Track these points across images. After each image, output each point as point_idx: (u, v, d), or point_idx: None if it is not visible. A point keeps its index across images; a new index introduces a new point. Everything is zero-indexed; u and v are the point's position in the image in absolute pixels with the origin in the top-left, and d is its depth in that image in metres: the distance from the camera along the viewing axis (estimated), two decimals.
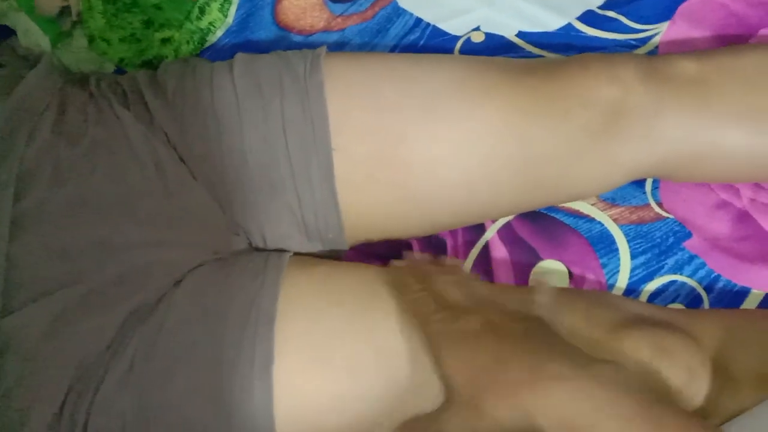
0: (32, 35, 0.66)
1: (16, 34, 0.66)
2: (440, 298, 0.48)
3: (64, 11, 0.66)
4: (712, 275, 0.61)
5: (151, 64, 0.66)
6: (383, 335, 0.50)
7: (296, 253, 0.56)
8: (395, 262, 0.54)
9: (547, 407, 0.39)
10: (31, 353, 0.47)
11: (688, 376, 0.51)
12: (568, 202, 0.62)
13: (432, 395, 0.47)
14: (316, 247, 0.57)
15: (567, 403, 0.39)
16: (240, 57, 0.57)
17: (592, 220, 0.63)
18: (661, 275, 0.62)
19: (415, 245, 0.63)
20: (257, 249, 0.57)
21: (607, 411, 0.38)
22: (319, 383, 0.49)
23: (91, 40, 0.66)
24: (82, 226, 0.50)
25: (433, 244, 0.63)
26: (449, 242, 0.63)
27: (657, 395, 0.40)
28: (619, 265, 0.62)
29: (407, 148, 0.54)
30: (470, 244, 0.63)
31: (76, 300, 0.49)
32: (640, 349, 0.50)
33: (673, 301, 0.61)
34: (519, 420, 0.40)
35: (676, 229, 0.62)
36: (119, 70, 0.66)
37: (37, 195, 0.49)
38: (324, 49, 0.57)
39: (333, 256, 0.58)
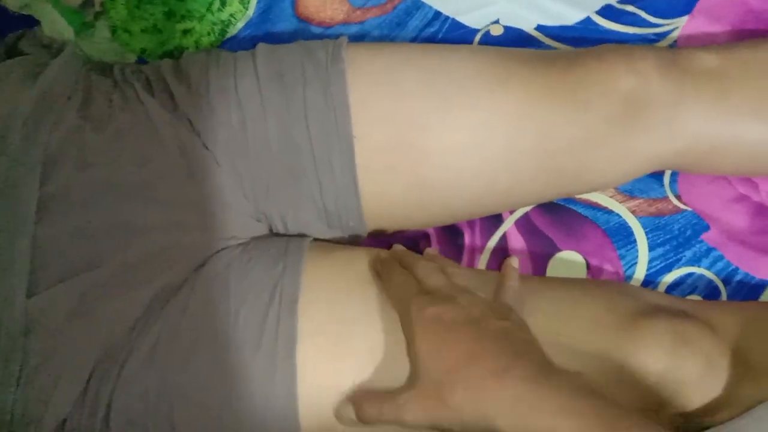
0: (57, 25, 0.66)
1: (39, 25, 0.66)
2: (422, 283, 0.49)
3: (87, 2, 0.67)
4: (730, 268, 0.61)
5: (172, 56, 0.67)
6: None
7: (315, 240, 0.57)
8: (381, 252, 0.55)
9: (508, 407, 0.39)
10: (57, 333, 0.48)
11: (707, 365, 0.51)
12: (587, 192, 0.62)
13: None
14: (336, 234, 0.57)
15: (528, 404, 0.39)
16: (262, 46, 0.58)
17: (610, 212, 0.63)
18: (679, 267, 0.62)
19: (433, 236, 0.64)
20: (278, 235, 0.57)
21: (566, 415, 0.38)
22: (341, 365, 0.49)
23: (113, 30, 0.67)
24: (106, 209, 0.51)
25: (451, 235, 0.64)
26: (467, 233, 0.64)
27: (615, 402, 0.40)
28: (637, 256, 0.62)
29: (427, 137, 0.54)
30: (488, 235, 0.63)
31: (101, 281, 0.49)
32: (660, 337, 0.51)
33: (690, 293, 0.61)
34: (478, 417, 0.40)
35: (694, 221, 0.63)
36: (141, 61, 0.67)
37: (62, 178, 0.50)
38: (345, 39, 0.58)
39: (352, 243, 0.59)
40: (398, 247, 0.58)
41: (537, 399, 0.40)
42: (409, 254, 0.55)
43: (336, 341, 0.49)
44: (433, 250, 0.60)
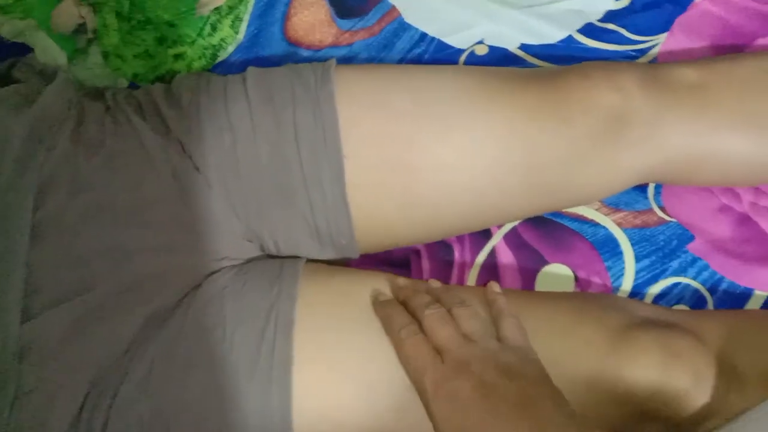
0: (50, 52, 0.68)
1: (33, 52, 0.68)
2: (431, 339, 0.49)
3: (80, 28, 0.68)
4: (716, 277, 0.62)
5: (164, 80, 0.68)
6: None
7: (309, 261, 0.57)
8: (379, 295, 0.54)
9: None
10: (51, 357, 0.48)
11: (696, 377, 0.52)
12: (573, 206, 0.63)
13: None
14: (329, 254, 0.58)
15: None
16: (252, 70, 0.59)
17: (596, 224, 0.64)
18: (666, 278, 0.63)
19: (423, 252, 0.65)
20: (270, 256, 0.58)
21: None
22: (336, 391, 0.49)
23: (105, 56, 0.68)
24: (99, 233, 0.51)
25: (441, 250, 0.65)
26: (456, 248, 0.65)
27: None
28: (623, 268, 0.63)
29: (415, 155, 0.55)
30: (477, 250, 0.64)
31: (94, 305, 0.50)
32: (650, 351, 0.51)
33: (677, 303, 0.62)
34: None
35: (679, 232, 0.64)
36: (133, 86, 0.68)
37: (55, 203, 0.51)
38: (334, 61, 0.59)
39: (343, 263, 0.60)
40: (398, 281, 0.57)
41: None
42: (413, 297, 0.54)
43: (332, 366, 0.50)
44: (435, 282, 0.60)
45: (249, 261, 0.57)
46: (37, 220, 0.50)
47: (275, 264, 0.55)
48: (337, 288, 0.54)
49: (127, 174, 0.53)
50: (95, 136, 0.54)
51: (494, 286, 0.58)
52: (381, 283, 0.56)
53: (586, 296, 0.62)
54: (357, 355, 0.50)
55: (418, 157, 0.55)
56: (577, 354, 0.52)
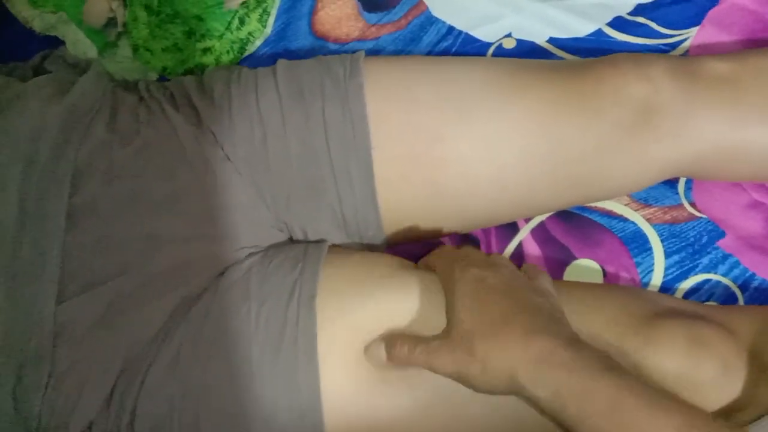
0: (81, 45, 0.69)
1: (64, 45, 0.69)
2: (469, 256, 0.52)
3: (110, 22, 0.69)
4: (747, 274, 0.62)
5: (192, 73, 0.68)
6: (417, 321, 0.51)
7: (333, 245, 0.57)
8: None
9: (530, 363, 0.43)
10: (84, 340, 0.49)
11: (723, 367, 0.51)
12: (602, 200, 0.63)
13: None
14: (355, 245, 0.58)
15: (548, 363, 0.42)
16: (282, 63, 0.59)
17: (625, 219, 0.63)
18: (696, 274, 0.62)
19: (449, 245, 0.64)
20: (298, 242, 0.58)
21: (587, 388, 0.41)
22: (362, 360, 0.50)
23: (135, 49, 0.69)
24: (132, 220, 0.52)
25: (467, 244, 0.64)
26: (483, 242, 0.64)
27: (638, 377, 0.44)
28: (653, 263, 0.62)
29: (443, 147, 0.55)
30: (504, 244, 0.64)
31: (127, 290, 0.50)
32: (675, 338, 0.51)
33: (707, 300, 0.62)
34: (500, 369, 0.44)
35: (710, 228, 0.63)
36: (162, 79, 0.69)
37: (90, 191, 0.52)
38: (362, 53, 0.59)
39: None
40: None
41: (561, 368, 0.42)
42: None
43: (356, 336, 0.50)
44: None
45: (275, 245, 0.57)
46: (72, 206, 0.51)
47: (300, 246, 0.56)
48: (360, 263, 0.55)
49: (161, 163, 0.54)
50: (130, 125, 0.55)
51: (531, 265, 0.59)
52: (402, 263, 0.56)
53: (614, 286, 0.61)
54: (379, 325, 0.51)
55: (446, 150, 0.55)
56: (601, 332, 0.52)
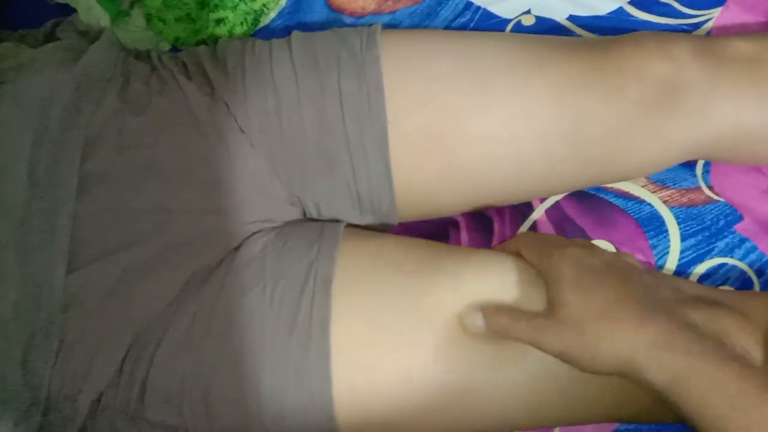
0: (93, 13, 0.67)
1: (76, 13, 0.68)
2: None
3: None
4: (764, 259, 0.61)
5: (205, 44, 0.67)
6: (433, 304, 0.50)
7: (349, 225, 0.57)
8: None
9: (645, 347, 0.43)
10: (95, 310, 0.49)
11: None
12: (620, 180, 0.62)
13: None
14: (368, 220, 0.58)
15: (670, 355, 0.42)
16: (297, 34, 0.59)
17: (641, 201, 0.63)
18: (711, 258, 0.61)
19: (462, 223, 0.64)
20: (311, 219, 0.58)
21: (712, 377, 0.41)
22: (375, 346, 0.49)
23: (148, 19, 0.68)
24: (145, 191, 0.51)
25: (480, 222, 0.64)
26: (496, 221, 0.64)
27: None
28: (668, 246, 0.62)
29: (460, 122, 0.54)
30: (518, 223, 0.63)
31: (138, 261, 0.50)
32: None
33: (723, 284, 0.61)
34: (613, 351, 0.43)
35: (727, 212, 0.62)
36: (175, 50, 0.68)
37: (102, 159, 0.51)
38: (379, 25, 0.58)
39: (382, 230, 0.59)
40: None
41: (677, 345, 0.42)
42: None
43: (370, 322, 0.50)
44: None
45: (289, 223, 0.56)
46: (83, 174, 0.50)
47: (315, 226, 0.55)
48: (375, 248, 0.54)
49: (174, 133, 0.53)
50: (142, 94, 0.54)
51: None
52: (418, 246, 0.55)
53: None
54: (394, 314, 0.50)
55: (462, 126, 0.54)
56: None
